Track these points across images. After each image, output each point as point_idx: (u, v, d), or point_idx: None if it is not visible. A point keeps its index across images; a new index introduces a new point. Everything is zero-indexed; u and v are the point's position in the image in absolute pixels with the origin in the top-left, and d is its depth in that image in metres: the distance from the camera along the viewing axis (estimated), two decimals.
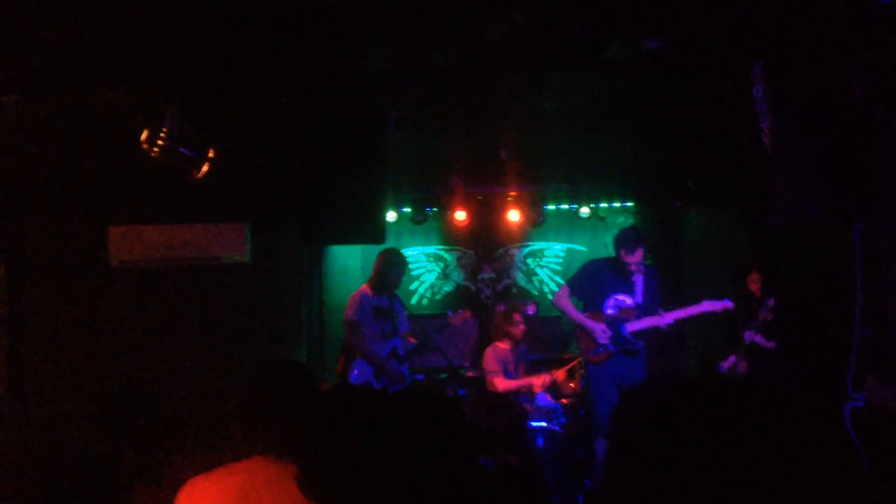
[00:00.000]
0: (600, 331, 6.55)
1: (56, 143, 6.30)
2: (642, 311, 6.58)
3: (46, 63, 5.09)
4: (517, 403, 6.93)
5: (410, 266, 9.62)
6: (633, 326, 6.54)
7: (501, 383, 7.15)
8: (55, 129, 6.05)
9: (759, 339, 6.66)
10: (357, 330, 6.74)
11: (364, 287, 6.96)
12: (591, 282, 6.76)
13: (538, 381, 7.20)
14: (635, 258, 6.49)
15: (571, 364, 7.45)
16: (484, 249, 9.87)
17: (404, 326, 7.05)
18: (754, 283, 6.76)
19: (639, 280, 6.64)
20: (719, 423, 1.16)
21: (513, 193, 8.95)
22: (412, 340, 7.04)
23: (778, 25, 4.81)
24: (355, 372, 6.73)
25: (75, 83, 5.37)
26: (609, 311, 6.68)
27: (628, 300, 6.63)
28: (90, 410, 5.98)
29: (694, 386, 1.29)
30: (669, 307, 6.62)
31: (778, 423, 1.16)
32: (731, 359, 6.84)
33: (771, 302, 6.58)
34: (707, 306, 6.45)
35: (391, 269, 6.88)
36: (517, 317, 7.35)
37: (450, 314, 7.25)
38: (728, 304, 6.46)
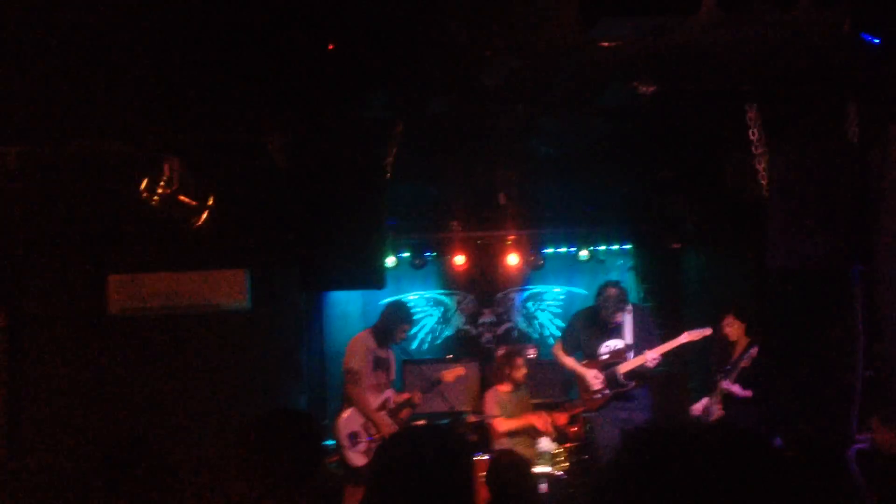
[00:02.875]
0: (592, 377, 6.78)
1: (55, 193, 6.32)
2: (635, 349, 6.74)
3: (46, 113, 5.13)
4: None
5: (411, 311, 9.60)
6: (625, 367, 6.70)
7: (501, 425, 7.08)
8: (54, 179, 6.07)
9: (735, 388, 6.34)
10: (357, 379, 6.74)
11: (366, 333, 6.93)
12: (580, 333, 7.03)
13: (539, 421, 7.13)
14: (626, 312, 6.79)
15: (575, 411, 7.40)
16: (484, 293, 9.82)
17: (393, 378, 7.10)
18: (729, 327, 6.59)
19: (626, 321, 6.83)
20: (721, 470, 1.15)
21: (511, 237, 8.94)
22: (405, 396, 7.06)
23: (771, 69, 4.86)
24: (344, 420, 6.71)
25: (75, 132, 5.41)
26: (604, 357, 6.88)
27: (620, 343, 6.85)
28: (89, 459, 5.93)
29: (694, 432, 1.28)
30: None
31: (783, 473, 1.15)
32: (704, 401, 6.69)
33: (753, 350, 6.33)
34: (686, 337, 6.62)
35: (398, 325, 6.93)
36: (519, 360, 7.31)
37: (444, 372, 7.34)
38: (707, 331, 6.60)
